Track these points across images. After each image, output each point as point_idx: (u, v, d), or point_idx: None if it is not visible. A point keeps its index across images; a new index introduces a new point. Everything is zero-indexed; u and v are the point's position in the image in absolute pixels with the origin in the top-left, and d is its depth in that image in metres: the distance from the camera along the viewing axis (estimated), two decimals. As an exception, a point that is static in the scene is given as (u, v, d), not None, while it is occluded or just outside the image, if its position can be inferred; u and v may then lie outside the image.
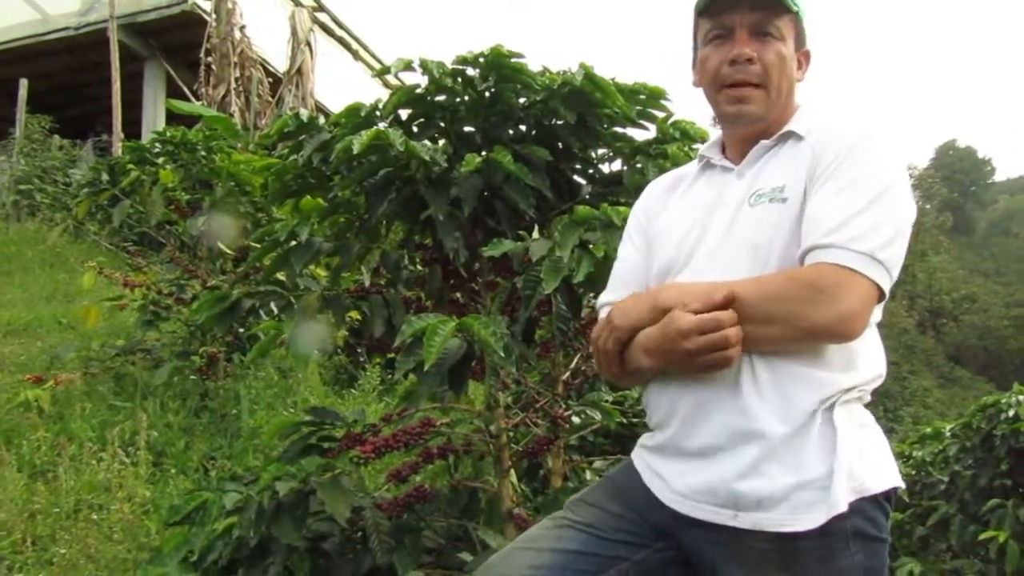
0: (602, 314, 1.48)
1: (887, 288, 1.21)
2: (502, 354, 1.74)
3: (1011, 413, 4.75)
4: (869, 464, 1.22)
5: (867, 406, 1.31)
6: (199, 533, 2.07)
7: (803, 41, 1.41)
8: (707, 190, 1.44)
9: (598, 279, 1.86)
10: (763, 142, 1.38)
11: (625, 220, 1.69)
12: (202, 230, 4.29)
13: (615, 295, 1.47)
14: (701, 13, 1.40)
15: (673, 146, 2.28)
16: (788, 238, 1.26)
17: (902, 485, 1.28)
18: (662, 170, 2.21)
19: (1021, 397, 4.86)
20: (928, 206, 44.38)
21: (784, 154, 1.35)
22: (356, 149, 2.02)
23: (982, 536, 4.63)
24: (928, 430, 6.08)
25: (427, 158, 2.14)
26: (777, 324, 1.18)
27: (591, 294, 2.19)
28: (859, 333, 1.20)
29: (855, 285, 1.17)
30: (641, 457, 1.40)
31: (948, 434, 5.51)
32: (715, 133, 1.54)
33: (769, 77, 1.34)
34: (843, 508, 1.16)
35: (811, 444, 1.19)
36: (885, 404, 25.35)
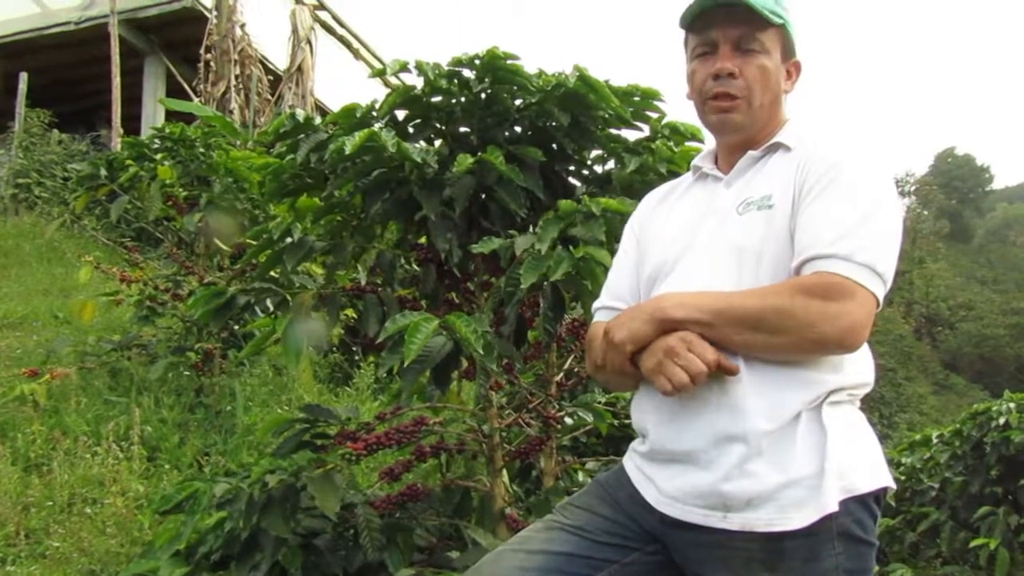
0: (596, 317, 1.51)
1: (882, 299, 1.23)
2: (481, 351, 1.76)
3: (1002, 421, 4.77)
4: (858, 464, 1.23)
5: (861, 411, 1.32)
6: (189, 522, 2.08)
7: (791, 52, 1.42)
8: (697, 199, 1.46)
9: (580, 278, 1.87)
10: (751, 153, 1.40)
11: (605, 211, 1.70)
12: (199, 226, 4.31)
13: (608, 301, 1.50)
14: (687, 29, 1.42)
15: (659, 141, 2.30)
16: (779, 245, 1.27)
17: (893, 486, 1.29)
18: (643, 163, 2.24)
19: (1012, 405, 4.88)
20: (926, 213, 44.45)
21: (772, 165, 1.37)
22: (348, 150, 2.04)
23: (973, 543, 4.66)
24: (917, 437, 6.10)
25: (418, 159, 2.16)
26: (786, 335, 1.19)
27: (576, 303, 2.20)
28: (862, 343, 1.22)
29: (861, 297, 1.19)
30: (632, 461, 1.41)
31: (936, 440, 5.53)
32: (710, 142, 1.56)
33: (751, 91, 1.36)
34: (833, 508, 1.17)
35: (798, 443, 1.20)
36: (880, 410, 25.34)
